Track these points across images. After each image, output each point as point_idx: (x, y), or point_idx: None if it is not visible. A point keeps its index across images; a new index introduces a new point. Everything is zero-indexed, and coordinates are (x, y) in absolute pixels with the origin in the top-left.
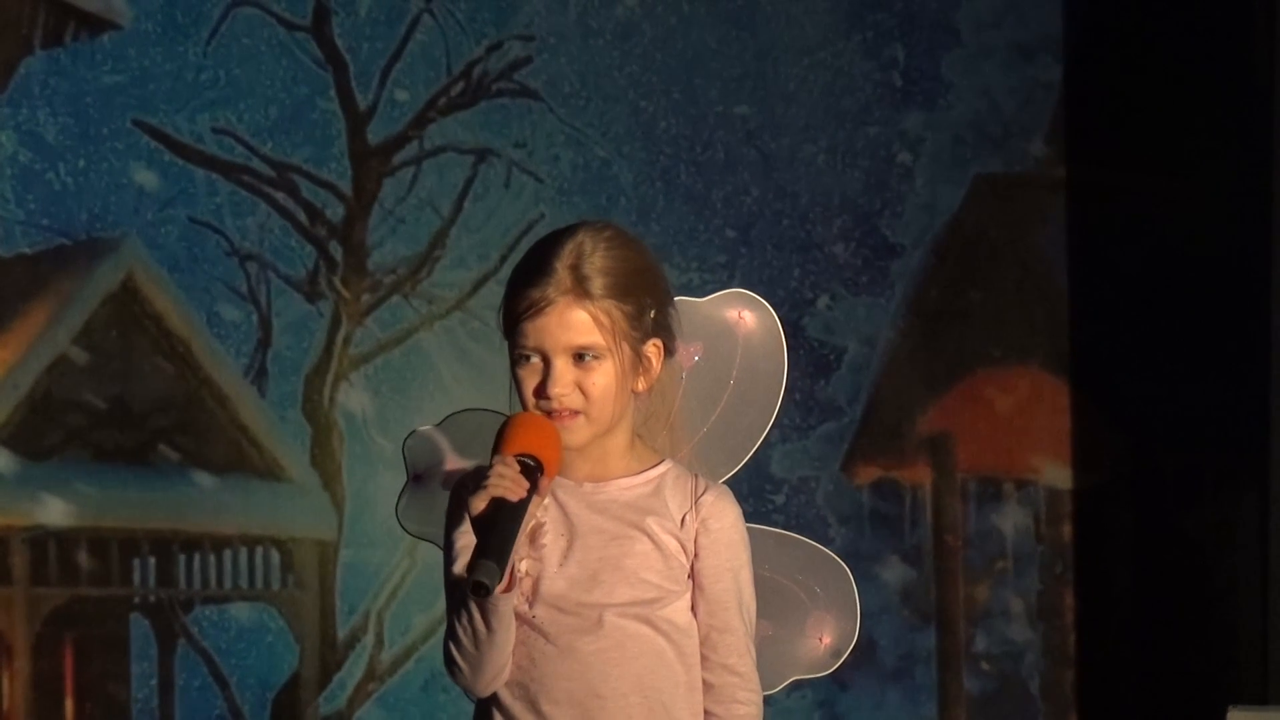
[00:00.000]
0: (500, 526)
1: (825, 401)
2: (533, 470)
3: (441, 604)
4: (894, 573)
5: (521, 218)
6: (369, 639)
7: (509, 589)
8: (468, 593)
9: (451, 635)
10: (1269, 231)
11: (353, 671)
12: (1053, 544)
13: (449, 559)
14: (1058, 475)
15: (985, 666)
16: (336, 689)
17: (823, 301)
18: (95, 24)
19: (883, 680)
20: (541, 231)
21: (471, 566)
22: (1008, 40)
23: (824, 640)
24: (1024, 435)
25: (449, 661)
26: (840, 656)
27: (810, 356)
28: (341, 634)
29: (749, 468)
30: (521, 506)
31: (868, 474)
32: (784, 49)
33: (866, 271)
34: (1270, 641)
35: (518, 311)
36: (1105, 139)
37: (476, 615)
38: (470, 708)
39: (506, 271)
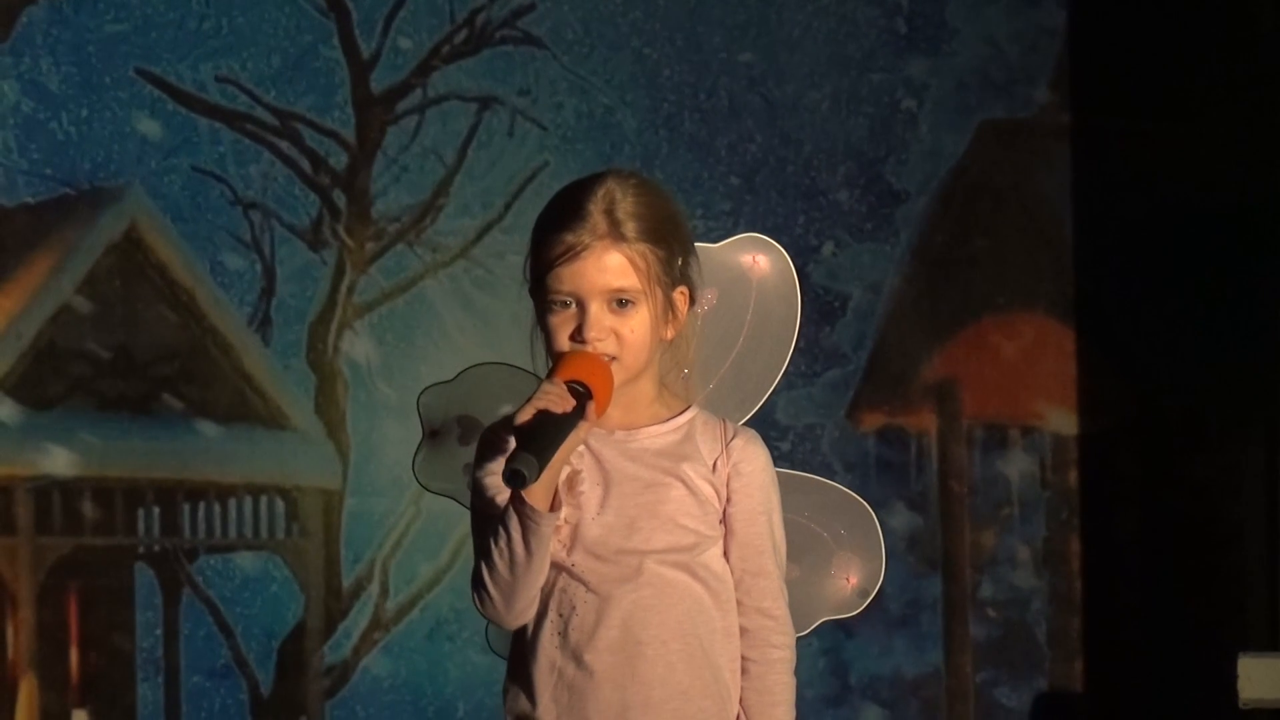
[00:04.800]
0: (543, 431)
1: (830, 348)
2: (581, 395)
3: (446, 551)
4: (900, 519)
5: (525, 165)
6: (374, 588)
7: (553, 509)
8: (506, 481)
9: (486, 561)
10: (1276, 176)
11: (358, 620)
12: (1059, 490)
13: (477, 497)
14: (1063, 421)
15: (991, 613)
16: (341, 638)
17: (827, 248)
18: None
19: (889, 627)
20: (546, 179)
21: (510, 457)
22: None
23: (850, 580)
24: (1029, 381)
25: (479, 588)
26: (868, 596)
27: (815, 303)
28: (346, 583)
29: (755, 414)
30: (566, 420)
31: (873, 421)
32: None
33: (871, 218)
34: (1279, 587)
35: (551, 257)
36: (1110, 84)
37: (516, 536)
38: (479, 658)
39: (511, 219)
